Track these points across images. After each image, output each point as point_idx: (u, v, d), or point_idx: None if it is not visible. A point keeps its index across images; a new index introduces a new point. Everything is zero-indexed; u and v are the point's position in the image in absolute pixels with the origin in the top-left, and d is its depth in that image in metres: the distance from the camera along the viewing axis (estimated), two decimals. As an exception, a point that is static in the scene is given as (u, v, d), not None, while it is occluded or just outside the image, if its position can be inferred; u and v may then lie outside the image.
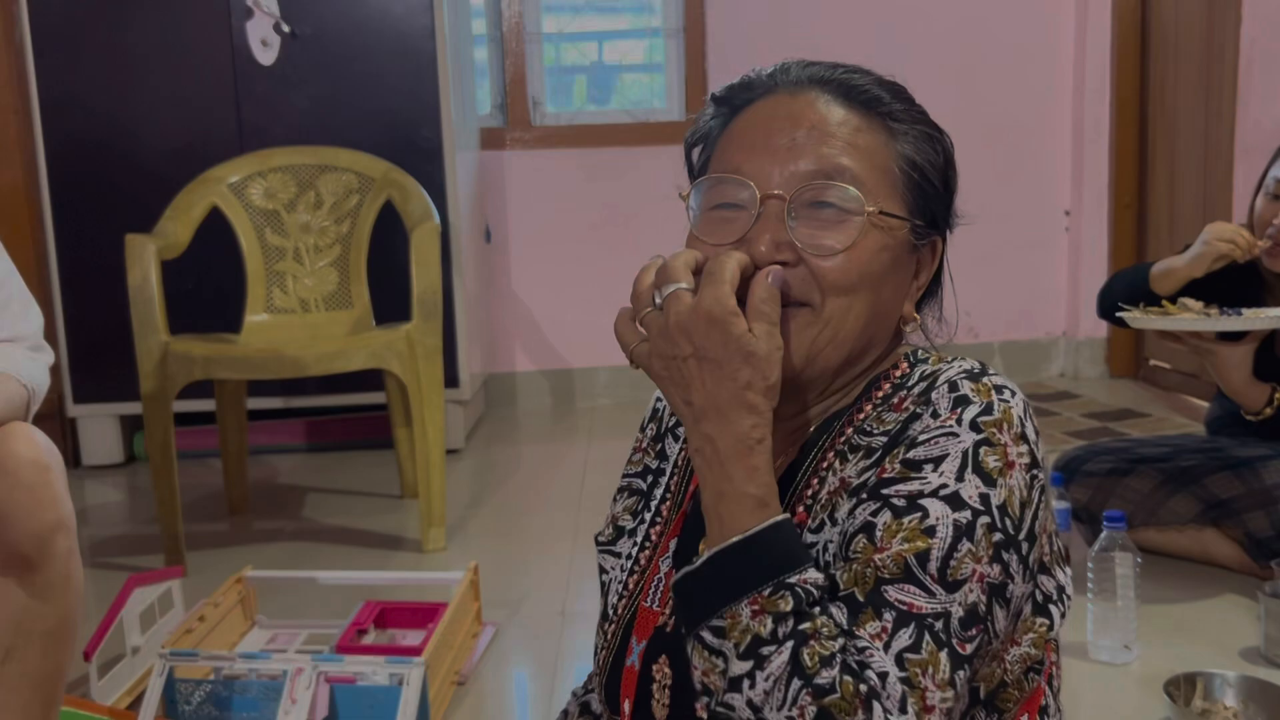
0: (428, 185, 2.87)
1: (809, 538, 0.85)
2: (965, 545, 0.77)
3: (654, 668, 0.92)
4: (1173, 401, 3.59)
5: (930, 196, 0.90)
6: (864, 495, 0.81)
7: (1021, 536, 0.80)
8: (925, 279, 0.93)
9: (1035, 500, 0.82)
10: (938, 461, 0.79)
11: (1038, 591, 0.87)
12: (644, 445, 1.05)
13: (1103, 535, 1.89)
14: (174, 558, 2.44)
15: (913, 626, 0.75)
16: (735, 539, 0.78)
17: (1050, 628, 0.88)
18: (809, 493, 0.88)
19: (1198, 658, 1.86)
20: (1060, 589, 0.89)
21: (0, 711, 1.30)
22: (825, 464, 0.88)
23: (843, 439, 0.88)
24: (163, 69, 3.12)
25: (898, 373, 0.91)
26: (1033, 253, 3.95)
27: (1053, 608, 0.88)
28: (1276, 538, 2.10)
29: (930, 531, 0.77)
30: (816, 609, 0.77)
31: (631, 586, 0.97)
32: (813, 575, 0.77)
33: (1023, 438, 0.82)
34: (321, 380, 3.18)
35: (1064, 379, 3.97)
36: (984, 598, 0.78)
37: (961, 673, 0.76)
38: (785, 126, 0.87)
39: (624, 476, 1.05)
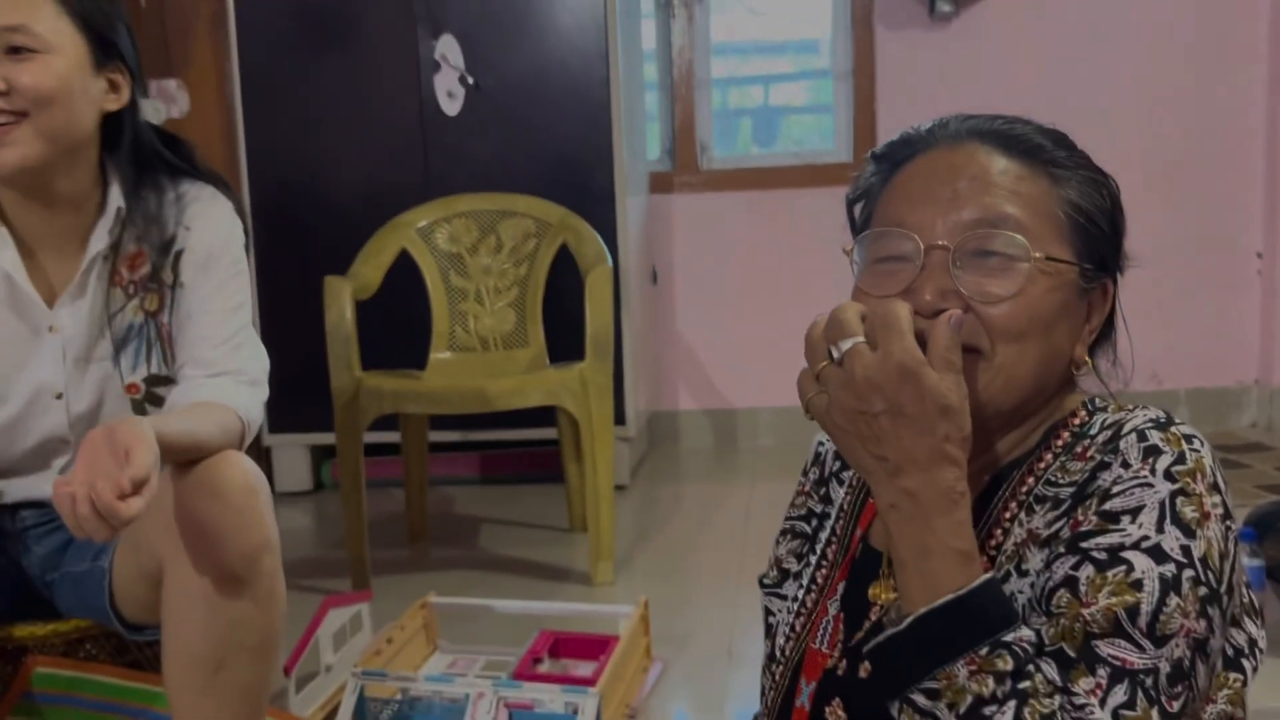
0: (600, 228, 2.96)
1: None
2: (1174, 600, 0.77)
3: (827, 710, 0.94)
4: (1377, 455, 3.37)
5: (1097, 240, 0.89)
6: (1061, 549, 0.80)
7: (1223, 590, 0.80)
8: (1097, 322, 0.92)
9: (1232, 552, 0.81)
10: (1135, 513, 0.79)
11: (1228, 645, 0.86)
12: (807, 489, 1.06)
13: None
14: (360, 581, 2.58)
15: (1126, 683, 0.75)
16: (949, 598, 0.77)
17: (1244, 683, 0.86)
18: (991, 543, 0.88)
19: (1407, 730, 1.74)
20: (1252, 642, 0.88)
21: (212, 718, 1.40)
22: (1008, 514, 0.88)
23: (1024, 488, 0.88)
24: (356, 120, 3.33)
25: (1076, 420, 0.90)
26: (1222, 296, 3.78)
27: (1245, 661, 0.87)
28: None
29: (1137, 585, 0.77)
30: (1030, 666, 0.76)
31: (799, 629, 0.99)
32: (1026, 633, 0.77)
33: (1215, 488, 0.81)
34: (497, 415, 3.30)
35: (1256, 429, 3.77)
36: (1189, 654, 0.77)
37: None
38: (946, 178, 0.88)
39: (787, 519, 1.06)
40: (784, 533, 1.06)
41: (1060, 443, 0.89)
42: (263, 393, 1.55)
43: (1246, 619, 0.88)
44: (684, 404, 3.97)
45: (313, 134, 3.35)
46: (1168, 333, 3.70)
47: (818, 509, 1.04)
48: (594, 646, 2.04)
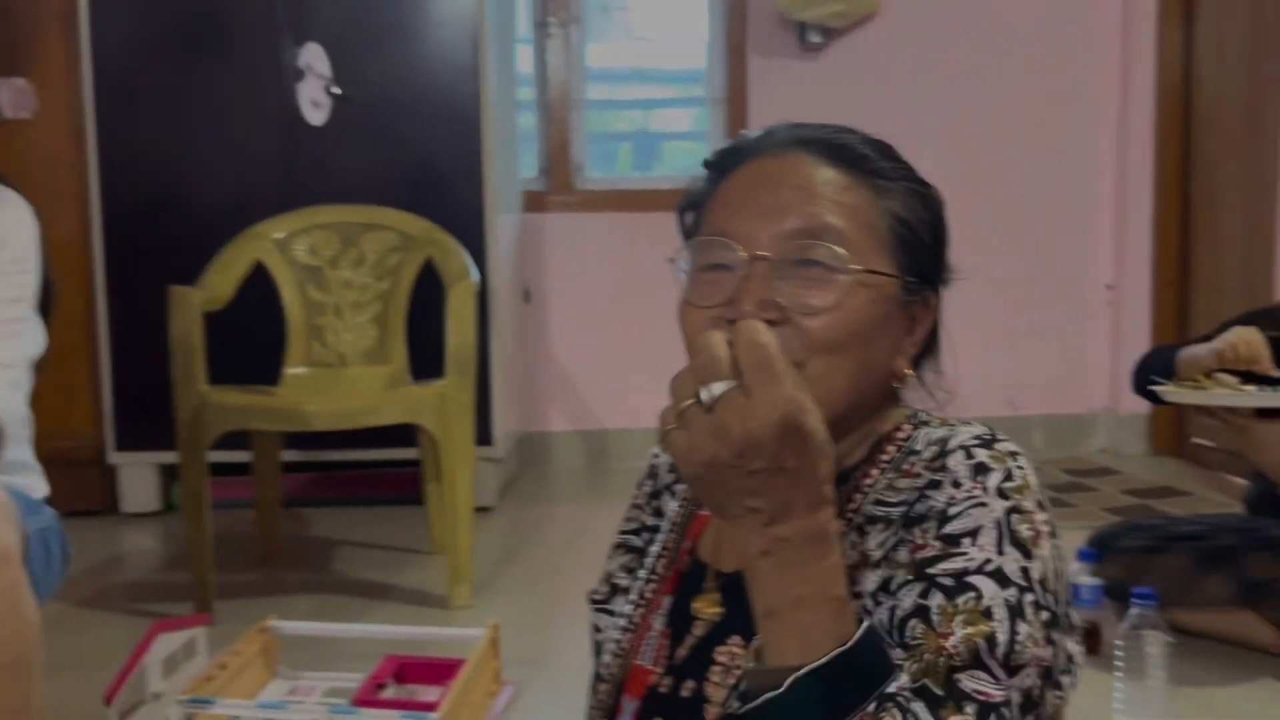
0: (468, 245, 2.92)
1: None
2: (1024, 628, 0.77)
3: None
4: (1215, 480, 3.52)
5: (920, 252, 0.89)
6: (907, 575, 0.79)
7: (1060, 611, 0.80)
8: (920, 335, 0.92)
9: (1060, 570, 0.82)
10: (974, 534, 0.79)
11: None
12: (641, 502, 1.04)
13: (1132, 613, 1.86)
14: (203, 605, 2.46)
15: (992, 717, 0.75)
16: (835, 654, 0.72)
17: (1063, 700, 0.86)
18: None
19: (1231, 743, 1.80)
20: (1069, 658, 0.88)
21: None
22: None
23: (852, 505, 0.87)
24: (216, 128, 3.22)
25: (901, 434, 0.90)
26: (1075, 327, 3.92)
27: (1064, 678, 0.87)
28: (1316, 621, 2.04)
29: (988, 614, 0.76)
30: (911, 717, 0.74)
31: (625, 645, 0.96)
32: (903, 679, 0.75)
33: (1041, 505, 0.82)
34: (356, 434, 3.20)
35: (1105, 454, 3.91)
36: (1038, 682, 0.78)
37: None
38: (770, 187, 0.87)
39: (620, 533, 1.04)
40: (616, 547, 1.04)
41: (886, 457, 0.89)
42: (22, 386, 1.50)
43: (1065, 637, 0.89)
44: (556, 425, 3.93)
45: (169, 141, 3.23)
46: (1023, 362, 3.82)
47: (650, 522, 1.02)
48: (443, 671, 1.98)
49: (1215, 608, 2.17)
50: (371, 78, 3.20)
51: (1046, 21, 3.83)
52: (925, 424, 0.90)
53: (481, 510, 3.30)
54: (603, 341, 3.87)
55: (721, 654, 0.88)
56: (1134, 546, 2.26)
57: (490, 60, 3.21)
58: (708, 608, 0.91)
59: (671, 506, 1.01)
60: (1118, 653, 1.86)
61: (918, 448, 0.87)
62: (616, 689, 0.96)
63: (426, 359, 2.88)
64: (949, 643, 0.76)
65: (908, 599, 0.78)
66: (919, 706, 0.75)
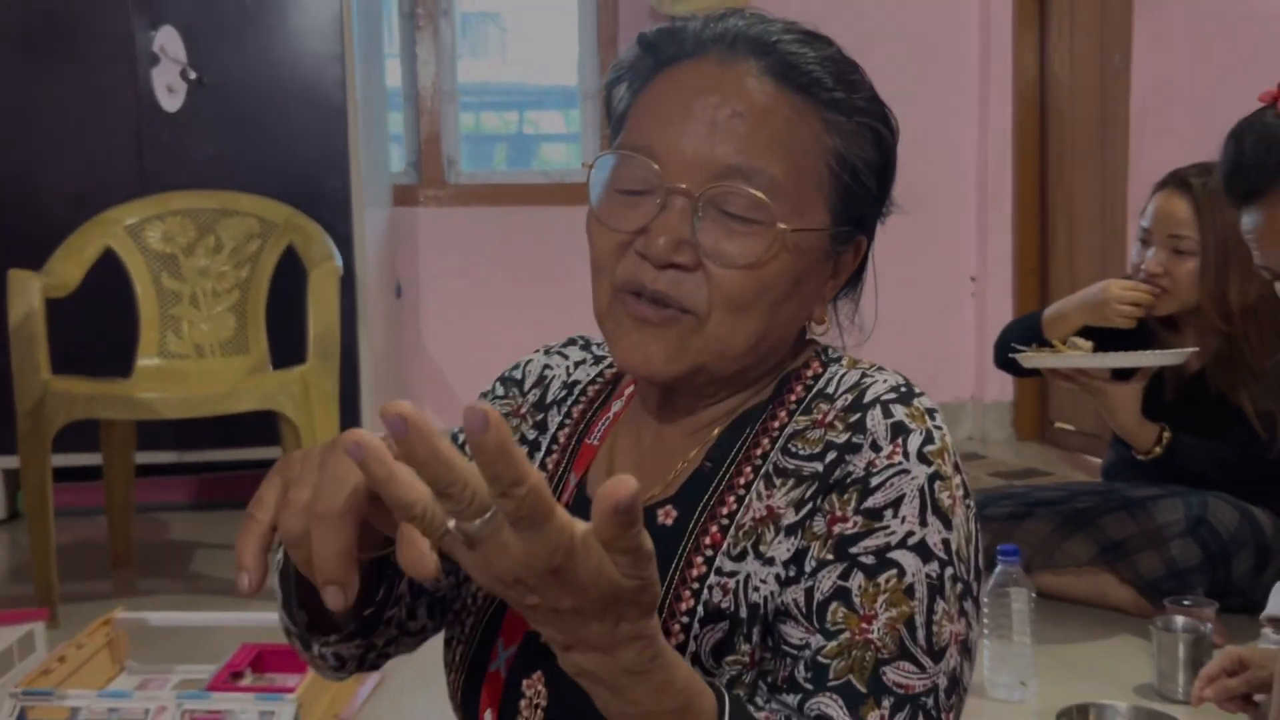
0: (335, 236, 2.82)
1: (728, 565, 0.79)
2: (940, 605, 0.74)
3: (525, 683, 0.84)
4: (1076, 461, 3.64)
5: (859, 198, 0.83)
6: (827, 555, 0.75)
7: (973, 578, 0.78)
8: (844, 278, 0.87)
9: (974, 533, 0.79)
10: (896, 505, 0.75)
11: None
12: (523, 410, 0.95)
13: (997, 570, 1.89)
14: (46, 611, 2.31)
15: (908, 708, 0.72)
16: None
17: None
18: (724, 510, 0.81)
19: (1093, 694, 1.84)
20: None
21: None
22: (742, 480, 0.82)
23: (759, 450, 0.82)
24: (65, 113, 3.06)
25: (809, 373, 0.85)
26: (940, 318, 4.01)
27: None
28: (1168, 578, 2.11)
29: (910, 592, 0.73)
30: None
31: None
32: (812, 674, 0.73)
33: (957, 467, 0.79)
34: (214, 433, 3.07)
35: (972, 441, 4.01)
36: (959, 660, 0.75)
37: None
38: (709, 102, 0.78)
39: None
40: None
41: (794, 398, 0.84)
42: None
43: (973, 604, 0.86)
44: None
45: (15, 128, 3.05)
46: (891, 352, 3.84)
47: (530, 436, 0.93)
48: (303, 659, 1.89)
49: (1077, 569, 2.22)
50: (230, 63, 3.09)
51: (909, 23, 3.93)
52: (836, 360, 0.86)
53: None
54: (476, 337, 3.81)
55: None
56: (999, 515, 2.31)
57: (355, 46, 3.13)
58: None
59: (554, 423, 0.93)
60: (984, 611, 1.89)
61: (829, 390, 0.83)
62: (484, 627, 0.87)
63: (288, 351, 2.78)
64: (874, 632, 0.73)
65: (827, 581, 0.75)
66: (835, 704, 0.72)
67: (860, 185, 0.83)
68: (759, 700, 0.76)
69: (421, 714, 1.91)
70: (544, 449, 0.92)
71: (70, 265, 2.55)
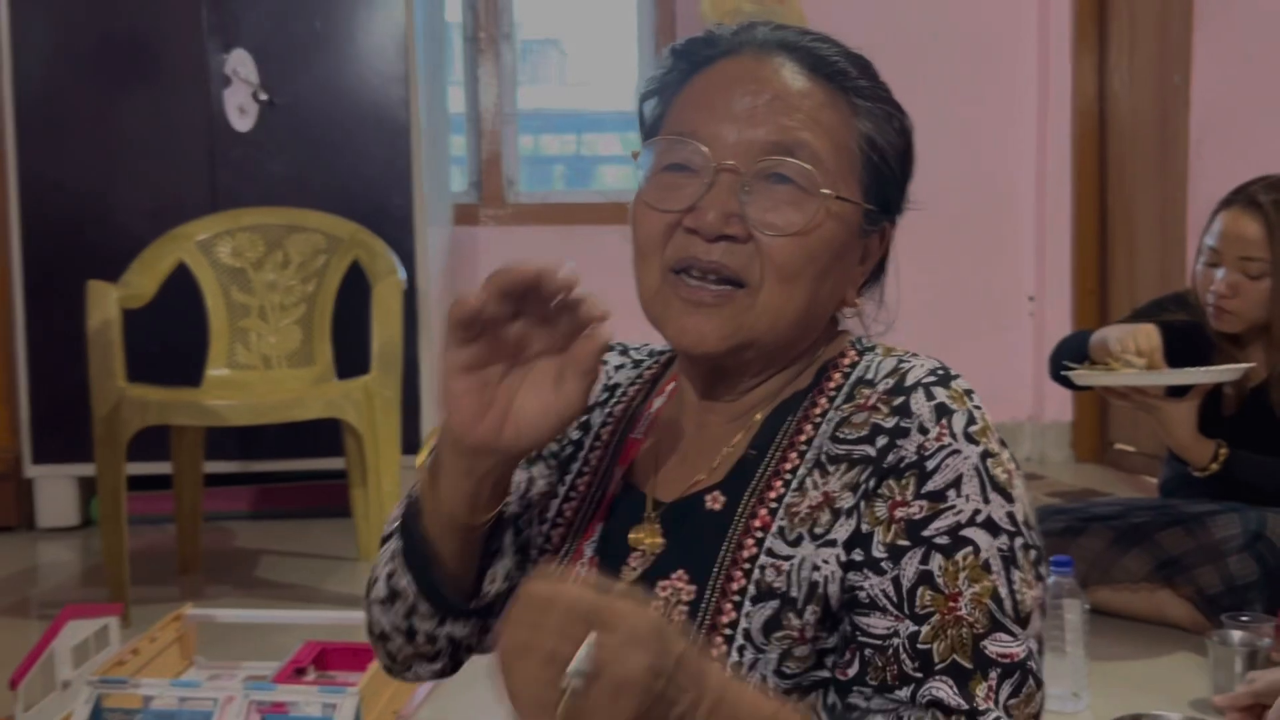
0: (397, 252, 2.89)
1: (782, 548, 0.81)
2: (1016, 574, 0.77)
3: None
4: (1136, 483, 3.59)
5: (886, 180, 0.87)
6: (901, 541, 0.78)
7: (1039, 543, 0.81)
8: (870, 265, 0.91)
9: (1031, 503, 0.83)
10: (957, 485, 0.78)
11: None
12: None
13: (1050, 582, 1.88)
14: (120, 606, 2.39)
15: (1017, 674, 0.76)
16: None
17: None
18: (771, 495, 0.84)
19: (1146, 706, 1.83)
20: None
21: None
22: (789, 465, 0.84)
23: (802, 437, 0.85)
24: (141, 134, 3.18)
25: (846, 361, 0.88)
26: (998, 337, 3.99)
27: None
28: (1227, 593, 2.09)
29: (986, 567, 0.77)
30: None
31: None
32: (917, 665, 0.76)
33: (1003, 443, 0.83)
34: (279, 443, 3.16)
35: (1030, 462, 3.97)
36: (1041, 619, 0.79)
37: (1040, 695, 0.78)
38: (747, 90, 0.83)
39: None
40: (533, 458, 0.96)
41: (833, 384, 0.87)
42: None
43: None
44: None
45: (92, 147, 3.17)
46: (950, 370, 3.87)
47: (574, 436, 0.96)
48: (365, 656, 1.94)
49: (1133, 585, 2.21)
50: (300, 85, 3.19)
51: (968, 45, 3.94)
52: (870, 349, 0.89)
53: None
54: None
55: (665, 588, 0.85)
56: (1054, 530, 2.29)
57: (419, 69, 3.22)
58: (648, 538, 0.88)
59: (598, 420, 0.96)
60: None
61: (869, 376, 0.86)
62: None
63: (352, 363, 2.85)
64: (962, 609, 0.76)
65: (910, 567, 0.78)
66: (947, 687, 0.75)
67: (887, 166, 0.87)
68: (859, 701, 0.79)
69: (477, 711, 1.95)
70: (587, 446, 0.96)
71: (145, 278, 2.65)
